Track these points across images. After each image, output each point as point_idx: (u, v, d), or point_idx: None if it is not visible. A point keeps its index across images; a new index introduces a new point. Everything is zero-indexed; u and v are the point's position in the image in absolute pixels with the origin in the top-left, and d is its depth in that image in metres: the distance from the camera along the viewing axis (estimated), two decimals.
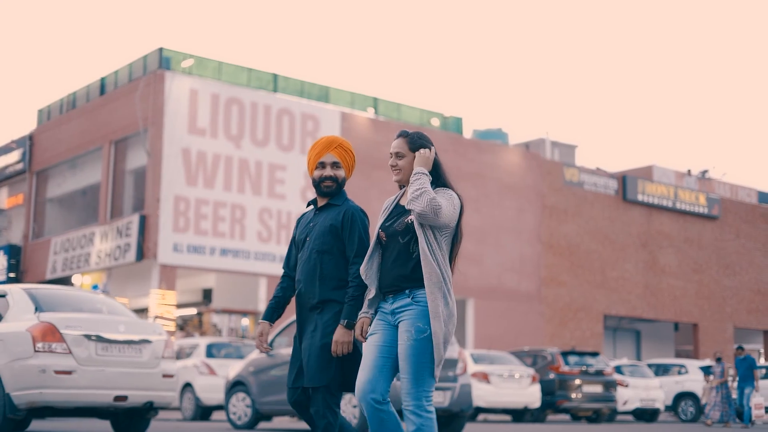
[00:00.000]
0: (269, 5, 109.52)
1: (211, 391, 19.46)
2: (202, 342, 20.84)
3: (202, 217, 29.28)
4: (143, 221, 28.62)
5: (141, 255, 28.47)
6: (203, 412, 20.02)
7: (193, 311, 32.06)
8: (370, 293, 5.11)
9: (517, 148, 39.44)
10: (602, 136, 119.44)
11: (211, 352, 20.36)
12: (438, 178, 5.10)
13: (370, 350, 5.00)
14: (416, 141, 5.10)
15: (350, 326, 5.21)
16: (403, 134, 5.15)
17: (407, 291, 4.95)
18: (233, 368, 15.51)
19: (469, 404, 13.64)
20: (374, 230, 5.22)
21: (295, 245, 5.66)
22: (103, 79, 33.24)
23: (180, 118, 29.20)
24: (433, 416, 4.92)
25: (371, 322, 5.13)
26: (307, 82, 33.14)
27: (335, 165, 5.54)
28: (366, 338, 5.09)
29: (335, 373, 5.30)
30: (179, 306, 30.15)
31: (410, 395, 4.87)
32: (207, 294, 33.16)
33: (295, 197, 31.15)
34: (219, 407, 19.98)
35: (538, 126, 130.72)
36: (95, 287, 29.66)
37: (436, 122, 36.65)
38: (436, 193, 4.98)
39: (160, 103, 28.99)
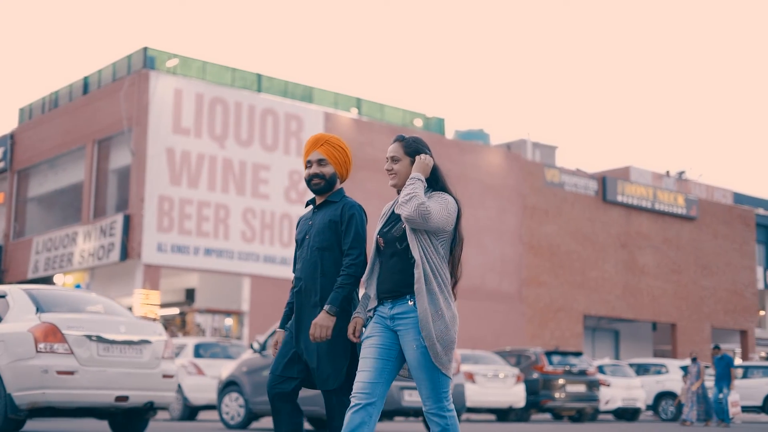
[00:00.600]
0: (253, 6, 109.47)
1: (199, 390, 19.48)
2: (190, 342, 20.86)
3: (186, 216, 29.28)
4: (127, 221, 28.58)
5: (125, 255, 28.43)
6: (191, 412, 20.05)
7: (175, 311, 32.03)
8: (372, 302, 5.09)
9: (498, 148, 39.65)
10: (580, 137, 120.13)
11: (198, 352, 20.39)
12: (436, 182, 5.08)
13: (369, 352, 4.95)
14: (412, 145, 5.09)
15: (332, 311, 5.19)
16: (400, 138, 5.14)
17: (408, 296, 4.93)
18: (226, 368, 15.56)
19: (463, 404, 13.79)
20: (372, 236, 5.20)
21: (296, 245, 5.66)
22: (86, 79, 33.14)
23: (164, 117, 29.18)
24: (455, 413, 4.97)
25: (365, 324, 5.10)
26: (290, 82, 33.19)
27: (321, 162, 5.55)
28: (360, 339, 5.06)
29: (347, 374, 5.33)
30: (161, 306, 30.12)
31: (430, 399, 4.91)
32: (190, 294, 33.16)
33: (279, 197, 31.21)
34: (207, 407, 20.03)
35: (519, 127, 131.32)
36: (78, 287, 29.59)
37: (418, 123, 36.83)
38: (431, 198, 4.96)
39: (144, 103, 28.96)
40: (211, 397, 19.20)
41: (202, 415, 21.83)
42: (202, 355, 20.34)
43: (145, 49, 30.36)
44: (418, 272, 4.85)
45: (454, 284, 5.07)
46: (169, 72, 30.34)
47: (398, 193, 5.09)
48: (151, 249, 28.42)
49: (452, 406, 4.97)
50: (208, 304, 31.32)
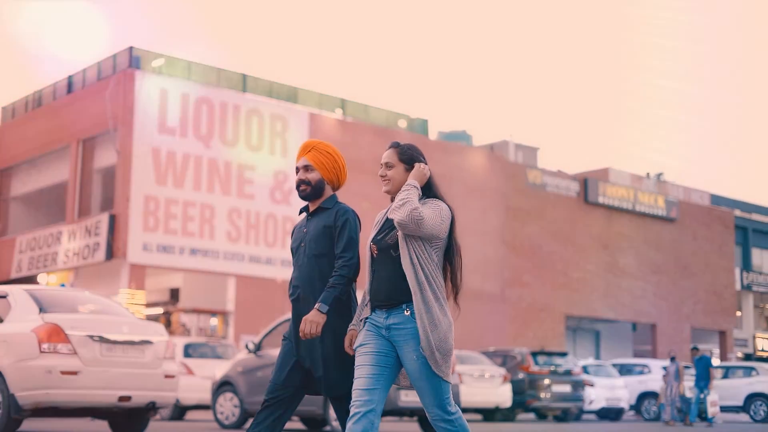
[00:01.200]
0: (238, 6, 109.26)
1: (189, 390, 19.47)
2: (179, 342, 20.88)
3: (172, 216, 29.23)
4: (113, 220, 28.51)
5: (110, 254, 28.37)
6: (180, 412, 20.10)
7: (159, 311, 31.96)
8: (365, 312, 5.08)
9: (481, 149, 39.80)
10: (560, 138, 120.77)
11: (188, 352, 20.43)
12: (429, 189, 5.07)
13: (364, 359, 4.93)
14: (407, 152, 5.09)
15: (323, 309, 5.16)
16: (395, 145, 5.13)
17: (403, 305, 4.90)
18: (220, 368, 15.63)
19: (458, 404, 13.90)
20: (365, 243, 5.16)
21: (292, 254, 5.63)
22: (70, 78, 33.03)
23: (150, 117, 29.12)
24: (460, 413, 4.98)
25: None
26: (275, 82, 33.22)
27: (307, 168, 5.54)
28: (354, 348, 5.05)
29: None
30: (146, 306, 30.07)
31: (434, 406, 4.92)
32: (174, 294, 33.09)
33: (264, 197, 31.22)
34: (196, 407, 20.07)
35: (501, 128, 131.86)
36: (62, 286, 29.48)
37: (402, 124, 36.95)
38: (424, 204, 4.93)
39: (130, 103, 28.89)
40: (200, 396, 19.27)
41: (191, 414, 21.88)
42: (192, 355, 20.39)
43: (131, 48, 30.30)
44: (411, 281, 4.84)
45: (456, 294, 5.07)
46: (154, 72, 30.29)
47: (391, 200, 5.09)
48: (137, 248, 28.36)
49: (455, 408, 4.99)
50: (193, 303, 31.29)
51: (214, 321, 30.57)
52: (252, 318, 29.20)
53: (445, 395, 4.91)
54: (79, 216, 30.83)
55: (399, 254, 4.90)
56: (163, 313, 31.51)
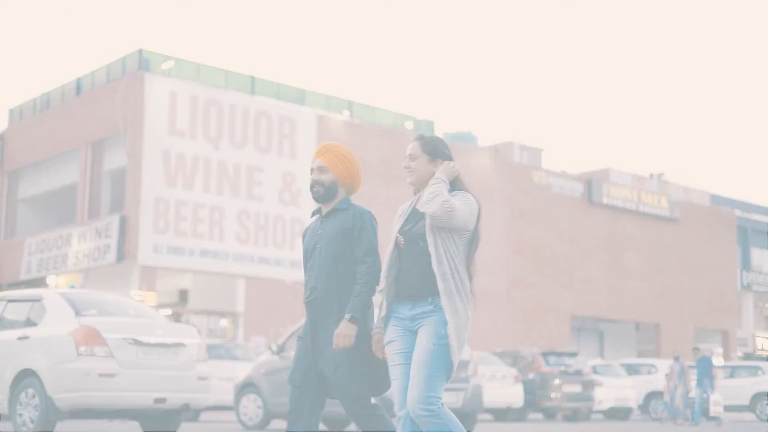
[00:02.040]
0: (247, 8, 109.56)
1: None
2: None
3: (182, 218, 29.40)
4: (123, 222, 28.67)
5: (121, 256, 28.51)
6: (195, 413, 20.20)
7: (167, 312, 32.06)
8: (385, 304, 5.07)
9: (487, 151, 39.99)
10: (561, 139, 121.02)
11: None
12: (454, 184, 5.09)
13: (396, 358, 4.96)
14: (430, 144, 5.13)
15: (354, 320, 5.16)
16: (419, 138, 5.18)
17: (429, 299, 4.93)
18: (243, 370, 15.79)
19: (480, 404, 14.07)
20: (385, 237, 5.16)
21: (305, 256, 5.60)
22: (79, 80, 33.16)
23: (160, 119, 29.29)
24: (444, 409, 4.84)
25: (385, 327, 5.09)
26: (283, 84, 33.39)
27: (321, 169, 5.53)
28: (384, 346, 5.06)
29: (367, 380, 5.29)
30: (156, 307, 30.22)
31: (422, 401, 4.77)
32: (183, 295, 33.23)
33: (273, 199, 31.39)
34: (212, 408, 20.17)
35: (506, 129, 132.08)
36: (72, 287, 29.58)
37: (409, 125, 37.15)
38: (453, 197, 4.95)
39: (139, 105, 29.05)
40: (216, 398, 19.36)
41: (207, 415, 21.98)
42: (208, 356, 20.47)
43: (140, 51, 30.45)
44: (436, 271, 4.87)
45: (470, 281, 5.04)
46: (164, 74, 30.44)
47: (414, 193, 5.17)
48: (147, 250, 28.51)
49: (438, 409, 4.81)
50: (202, 305, 31.43)
51: (224, 322, 30.72)
52: (261, 319, 29.37)
53: (437, 392, 4.81)
54: (89, 218, 30.97)
55: (426, 245, 4.93)
56: (173, 315, 31.63)
